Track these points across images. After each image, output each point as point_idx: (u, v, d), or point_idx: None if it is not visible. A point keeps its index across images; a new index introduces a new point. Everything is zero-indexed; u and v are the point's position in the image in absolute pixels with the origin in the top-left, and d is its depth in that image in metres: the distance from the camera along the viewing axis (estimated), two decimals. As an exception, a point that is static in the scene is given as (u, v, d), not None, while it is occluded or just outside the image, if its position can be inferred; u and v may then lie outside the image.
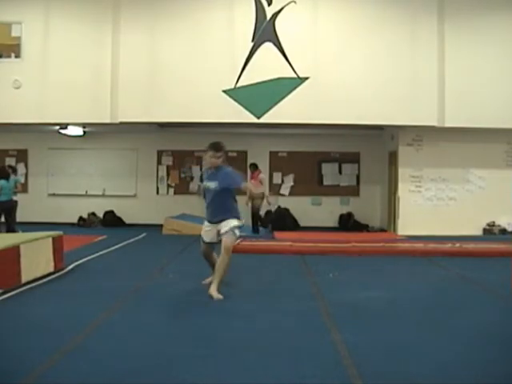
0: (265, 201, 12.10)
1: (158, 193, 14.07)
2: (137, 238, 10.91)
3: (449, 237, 10.68)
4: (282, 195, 14.00)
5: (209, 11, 11.10)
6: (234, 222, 5.62)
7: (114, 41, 11.10)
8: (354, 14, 11.14)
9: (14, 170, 11.24)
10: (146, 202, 13.90)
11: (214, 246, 5.94)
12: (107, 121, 11.12)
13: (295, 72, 11.00)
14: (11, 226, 10.27)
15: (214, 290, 5.44)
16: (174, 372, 3.40)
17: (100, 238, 10.72)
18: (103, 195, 13.99)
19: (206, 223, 5.85)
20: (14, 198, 10.70)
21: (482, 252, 8.79)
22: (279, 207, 13.72)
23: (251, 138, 13.80)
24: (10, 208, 10.34)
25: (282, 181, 14.05)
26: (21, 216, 11.07)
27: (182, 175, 14.07)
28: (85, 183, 13.96)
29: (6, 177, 10.26)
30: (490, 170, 12.04)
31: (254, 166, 12.34)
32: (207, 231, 5.83)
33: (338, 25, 11.12)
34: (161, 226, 12.13)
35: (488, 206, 11.95)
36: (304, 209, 13.82)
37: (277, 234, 11.46)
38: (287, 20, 11.04)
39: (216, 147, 5.70)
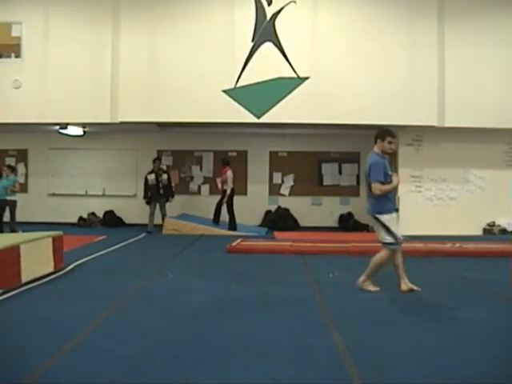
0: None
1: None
2: (137, 238, 10.90)
3: (449, 237, 10.68)
4: (282, 195, 14.01)
5: (209, 11, 11.11)
6: None
7: (114, 41, 11.11)
8: (353, 14, 11.14)
9: (14, 170, 11.24)
10: (145, 202, 13.89)
11: None
12: (107, 121, 11.13)
13: (295, 72, 11.01)
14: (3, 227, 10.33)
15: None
16: (174, 372, 3.40)
17: (100, 237, 10.73)
18: (103, 195, 14.00)
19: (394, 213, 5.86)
20: (14, 197, 10.71)
21: (482, 252, 8.78)
22: (279, 207, 13.73)
23: (251, 138, 13.81)
24: (2, 207, 10.41)
25: (282, 181, 14.05)
26: (21, 216, 11.09)
27: (182, 175, 14.07)
28: (85, 183, 13.96)
29: None
30: (489, 170, 12.05)
31: (224, 162, 12.21)
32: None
33: (338, 24, 11.12)
34: (161, 226, 12.13)
35: (488, 206, 11.95)
36: (304, 209, 13.83)
37: (277, 234, 11.46)
38: (287, 20, 11.04)
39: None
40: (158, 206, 12.35)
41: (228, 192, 11.88)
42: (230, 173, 11.94)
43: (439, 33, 11.07)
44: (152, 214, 12.31)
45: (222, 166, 12.22)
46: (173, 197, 12.62)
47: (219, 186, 12.51)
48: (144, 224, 13.22)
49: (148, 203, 12.38)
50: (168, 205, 12.53)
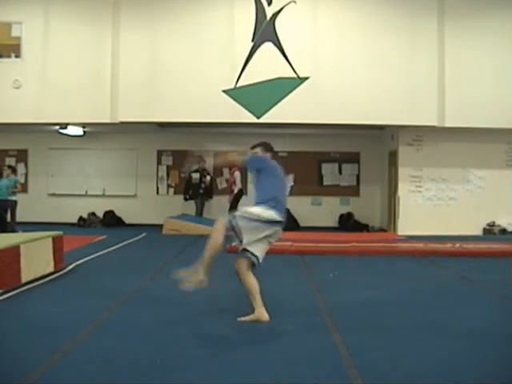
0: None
1: (158, 193, 14.07)
2: (137, 238, 10.90)
3: (449, 237, 10.69)
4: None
5: (209, 11, 11.10)
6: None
7: (114, 41, 11.11)
8: (354, 14, 11.14)
9: (14, 170, 11.25)
10: (146, 202, 13.90)
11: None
12: (107, 121, 11.13)
13: (295, 72, 11.00)
14: (7, 226, 10.31)
15: None
16: (174, 372, 3.40)
17: (100, 237, 10.72)
18: (103, 195, 13.99)
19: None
20: (14, 198, 10.72)
21: (481, 252, 8.78)
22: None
23: (251, 138, 13.74)
24: (3, 208, 10.40)
25: (282, 181, 14.03)
26: (21, 216, 11.09)
27: (182, 175, 14.06)
28: (85, 183, 13.96)
29: None
30: (490, 170, 12.04)
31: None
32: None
33: (338, 24, 11.12)
34: (161, 226, 12.13)
35: (488, 206, 11.95)
36: (304, 209, 13.82)
37: (277, 234, 11.44)
38: (287, 20, 11.04)
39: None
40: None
41: (235, 192, 11.95)
42: (237, 173, 12.02)
43: (439, 33, 11.06)
44: (197, 214, 12.75)
45: (230, 166, 12.26)
46: (211, 198, 13.13)
47: (226, 186, 12.54)
48: (143, 224, 13.26)
49: (186, 199, 12.91)
50: (171, 205, 12.78)
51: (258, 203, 4.65)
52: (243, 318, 4.54)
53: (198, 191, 12.82)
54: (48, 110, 11.03)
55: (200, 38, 11.03)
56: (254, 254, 4.54)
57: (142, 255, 8.91)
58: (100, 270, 7.22)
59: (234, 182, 12.08)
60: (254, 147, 5.06)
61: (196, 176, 12.83)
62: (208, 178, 12.94)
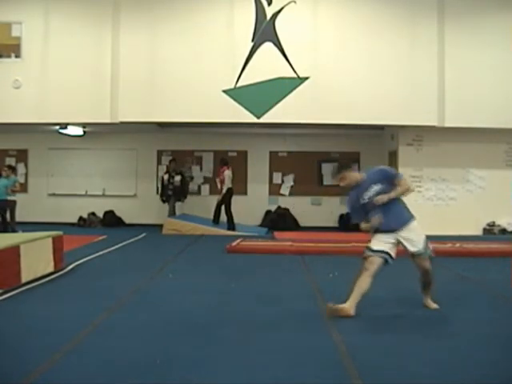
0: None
1: (157, 193, 14.06)
2: (137, 238, 10.90)
3: (449, 237, 10.67)
4: (282, 195, 14.01)
5: (209, 11, 11.11)
6: None
7: (114, 41, 11.11)
8: (354, 14, 11.14)
9: (14, 170, 11.25)
10: (146, 202, 13.90)
11: None
12: (107, 121, 11.13)
13: (295, 72, 11.00)
14: (5, 226, 10.32)
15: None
16: (174, 372, 3.40)
17: (100, 237, 10.73)
18: (103, 195, 14.00)
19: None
20: (13, 197, 10.72)
21: (481, 252, 8.79)
22: (279, 207, 13.73)
23: (251, 138, 13.80)
24: (2, 208, 10.42)
25: (282, 181, 14.05)
26: (21, 216, 11.10)
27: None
28: (85, 183, 13.96)
29: None
30: (490, 170, 12.04)
31: (223, 162, 12.34)
32: None
33: (338, 24, 11.12)
34: (161, 226, 12.14)
35: (488, 206, 11.95)
36: (304, 209, 13.82)
37: (277, 234, 11.46)
38: (287, 20, 11.04)
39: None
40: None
41: (223, 191, 11.93)
42: (227, 172, 11.99)
43: (439, 32, 11.06)
44: (170, 216, 12.56)
45: (221, 165, 12.30)
46: (185, 197, 12.89)
47: (218, 185, 12.56)
48: (143, 224, 13.27)
49: (163, 201, 12.79)
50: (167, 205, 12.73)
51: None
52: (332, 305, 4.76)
53: (167, 192, 12.63)
54: (48, 109, 11.03)
55: (200, 38, 11.03)
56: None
57: (142, 255, 8.92)
58: (100, 270, 7.22)
59: (224, 181, 12.02)
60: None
61: (166, 177, 12.72)
62: (178, 177, 12.62)
